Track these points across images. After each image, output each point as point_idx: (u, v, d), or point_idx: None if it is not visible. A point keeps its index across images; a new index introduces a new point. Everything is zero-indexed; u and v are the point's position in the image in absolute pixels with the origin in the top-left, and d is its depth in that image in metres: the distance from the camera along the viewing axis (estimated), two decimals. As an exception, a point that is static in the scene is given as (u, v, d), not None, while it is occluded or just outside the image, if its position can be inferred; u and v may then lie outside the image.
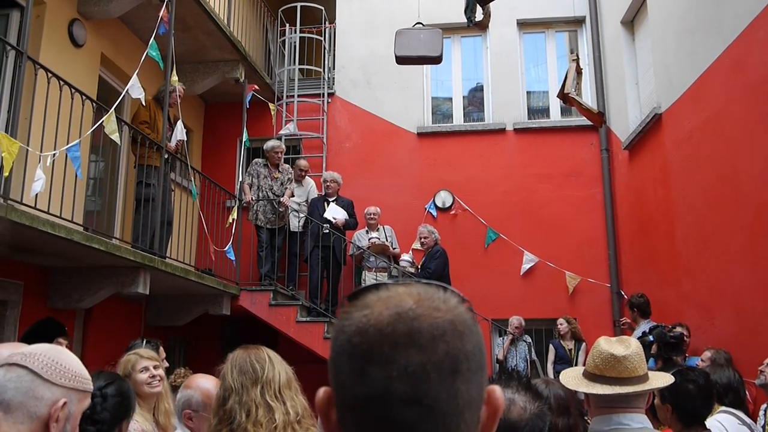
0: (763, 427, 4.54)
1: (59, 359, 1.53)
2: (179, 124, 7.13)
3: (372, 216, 8.98)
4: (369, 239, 8.83)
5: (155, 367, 3.39)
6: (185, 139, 7.29)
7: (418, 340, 0.73)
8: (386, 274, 8.55)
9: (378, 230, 9.02)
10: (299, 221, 8.98)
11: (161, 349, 4.72)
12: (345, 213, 8.76)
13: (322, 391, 0.80)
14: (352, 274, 8.98)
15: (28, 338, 3.48)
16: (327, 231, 8.46)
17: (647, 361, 5.42)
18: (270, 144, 8.88)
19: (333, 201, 8.91)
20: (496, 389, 0.80)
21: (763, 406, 4.72)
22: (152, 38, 6.47)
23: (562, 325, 8.29)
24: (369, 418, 0.73)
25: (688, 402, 2.87)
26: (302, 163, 9.23)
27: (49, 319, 3.70)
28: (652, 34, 8.02)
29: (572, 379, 2.28)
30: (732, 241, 6.09)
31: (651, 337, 5.95)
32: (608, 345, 2.22)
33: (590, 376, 2.21)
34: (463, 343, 0.75)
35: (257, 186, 8.70)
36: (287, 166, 9.12)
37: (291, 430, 2.10)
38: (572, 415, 2.72)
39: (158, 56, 6.55)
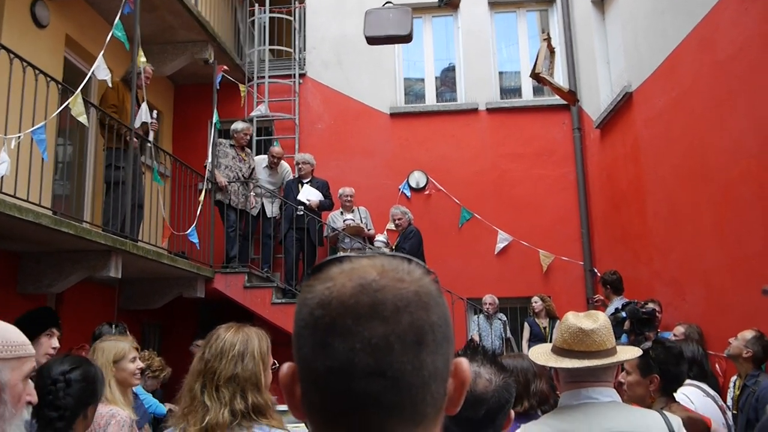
0: (733, 398, 4.63)
1: None
2: (144, 105, 7.01)
3: (347, 197, 8.95)
4: (344, 221, 8.81)
5: (140, 359, 3.36)
6: (150, 120, 7.16)
7: (382, 311, 0.72)
8: (361, 255, 8.54)
9: (353, 211, 9.00)
10: (272, 206, 8.93)
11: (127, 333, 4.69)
12: (319, 194, 8.72)
13: (285, 366, 0.79)
14: (327, 256, 8.97)
15: (20, 326, 3.42)
16: (301, 213, 8.42)
17: (620, 337, 5.51)
18: (241, 125, 8.80)
19: (307, 183, 8.86)
20: (463, 361, 0.80)
21: (733, 378, 4.81)
22: (117, 18, 6.34)
23: (537, 303, 8.37)
24: (332, 392, 0.72)
25: (675, 367, 2.91)
26: (276, 149, 9.15)
27: (43, 309, 3.63)
28: (623, 14, 8.05)
29: (541, 354, 2.29)
30: (701, 218, 6.18)
31: (624, 314, 6.01)
32: (576, 319, 2.23)
33: (559, 351, 2.22)
34: (428, 314, 0.74)
35: (225, 166, 8.60)
36: (248, 149, 9.06)
37: None
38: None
39: (124, 37, 6.43)
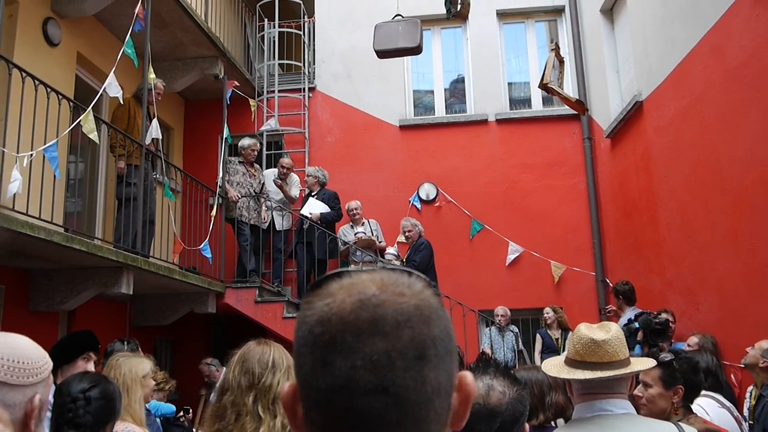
0: (749, 408, 4.58)
1: (18, 357, 1.46)
2: (154, 122, 7.05)
3: (354, 211, 8.94)
4: (355, 234, 8.80)
5: None
6: (161, 137, 7.20)
7: (383, 327, 0.70)
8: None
9: (363, 224, 8.99)
10: (282, 219, 8.95)
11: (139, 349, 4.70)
12: (323, 206, 8.69)
13: (287, 386, 0.78)
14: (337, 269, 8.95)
15: (62, 347, 3.43)
16: (305, 226, 8.43)
17: (633, 348, 5.45)
18: (248, 142, 8.82)
19: (314, 195, 8.87)
20: (467, 375, 0.78)
21: (749, 388, 4.75)
22: (128, 36, 6.39)
23: (549, 314, 8.31)
24: (334, 411, 0.70)
25: (697, 376, 2.87)
26: (285, 161, 9.17)
27: (85, 332, 3.64)
28: (632, 22, 8.04)
29: (554, 367, 2.26)
30: (714, 227, 6.12)
31: (637, 324, 5.97)
32: (588, 330, 2.20)
33: (571, 362, 2.19)
34: (430, 328, 0.72)
35: (236, 183, 8.64)
36: (257, 165, 9.10)
37: None
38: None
39: (133, 54, 6.47)
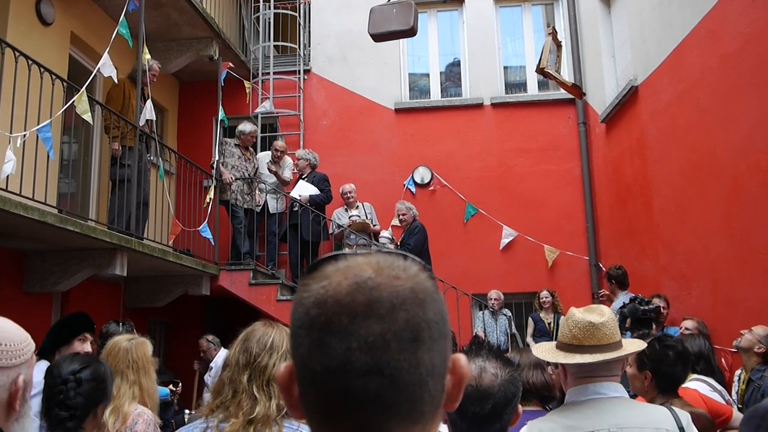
0: (738, 392, 4.61)
1: (1, 339, 1.47)
2: (149, 103, 7.01)
3: (349, 194, 8.94)
4: (349, 217, 8.80)
5: None
6: (155, 118, 7.16)
7: (378, 309, 0.71)
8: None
9: (357, 208, 8.99)
10: (276, 202, 8.94)
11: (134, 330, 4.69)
12: (312, 189, 8.66)
13: (283, 367, 0.79)
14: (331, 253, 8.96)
15: (58, 330, 3.43)
16: (296, 209, 8.43)
17: (624, 333, 5.48)
18: (249, 128, 8.79)
19: (304, 178, 8.85)
20: (461, 357, 0.79)
21: (738, 372, 4.79)
22: (122, 15, 6.34)
23: (546, 297, 8.32)
24: (330, 391, 0.71)
25: (668, 367, 2.89)
26: (279, 143, 9.15)
27: (79, 314, 3.63)
28: (628, 7, 8.01)
29: (547, 352, 2.27)
30: (708, 212, 6.14)
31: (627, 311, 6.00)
32: (584, 314, 2.21)
33: (566, 347, 2.20)
34: (425, 311, 0.73)
35: (231, 166, 8.62)
36: (252, 149, 9.09)
37: (268, 426, 1.99)
38: (546, 371, 2.74)
39: (127, 34, 6.42)
